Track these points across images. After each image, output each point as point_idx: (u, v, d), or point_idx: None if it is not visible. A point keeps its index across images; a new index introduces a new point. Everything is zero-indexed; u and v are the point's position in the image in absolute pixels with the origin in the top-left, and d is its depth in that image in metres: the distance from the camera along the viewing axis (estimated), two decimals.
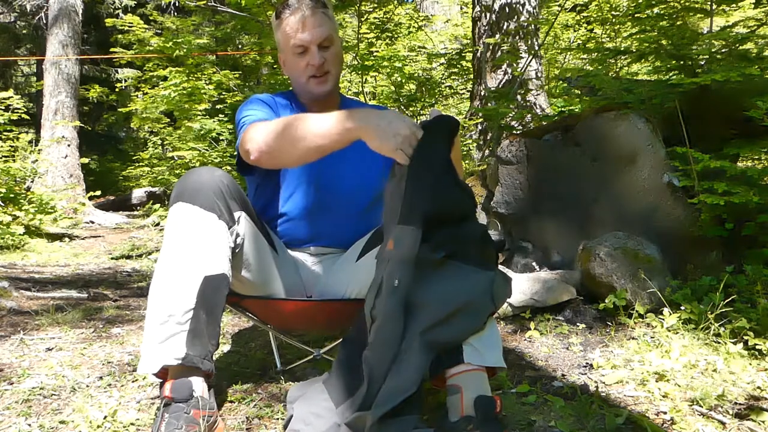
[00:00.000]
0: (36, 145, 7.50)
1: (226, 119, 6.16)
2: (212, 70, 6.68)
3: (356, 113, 1.27)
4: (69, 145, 8.35)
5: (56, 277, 3.64)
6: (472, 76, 5.57)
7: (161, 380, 1.34)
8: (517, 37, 5.00)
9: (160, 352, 1.28)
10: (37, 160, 7.08)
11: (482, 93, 5.03)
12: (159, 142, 10.14)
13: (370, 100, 6.44)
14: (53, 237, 5.72)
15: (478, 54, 5.15)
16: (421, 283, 1.21)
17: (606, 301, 2.16)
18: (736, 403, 1.44)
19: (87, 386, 1.66)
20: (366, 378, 1.21)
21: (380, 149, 1.23)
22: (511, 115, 4.54)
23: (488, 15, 5.07)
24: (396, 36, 6.56)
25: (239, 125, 1.54)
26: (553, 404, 1.46)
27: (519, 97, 4.91)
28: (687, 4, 2.94)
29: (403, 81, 5.96)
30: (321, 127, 1.28)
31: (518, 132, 4.06)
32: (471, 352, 1.22)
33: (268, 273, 1.52)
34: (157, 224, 6.44)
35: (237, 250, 1.42)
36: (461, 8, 10.10)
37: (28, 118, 7.44)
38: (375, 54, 5.67)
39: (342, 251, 1.65)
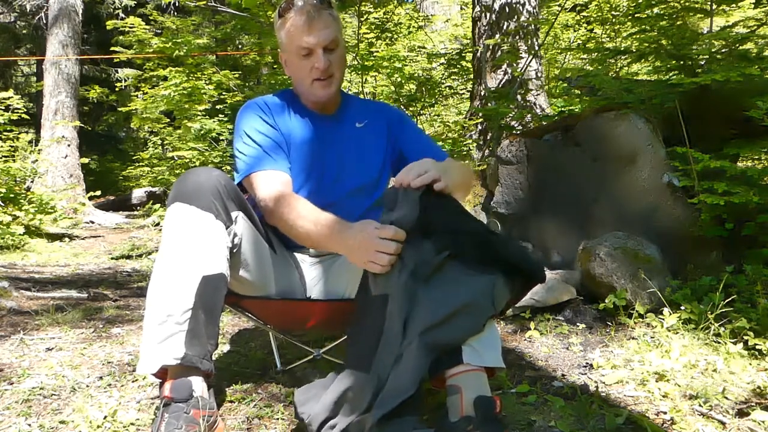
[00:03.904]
0: (36, 145, 7.49)
1: (226, 119, 6.16)
2: (212, 70, 6.68)
3: (339, 236, 1.34)
4: (69, 145, 8.35)
5: (56, 277, 3.64)
6: (472, 76, 5.57)
7: (161, 380, 1.34)
8: (517, 37, 4.99)
9: (159, 352, 1.28)
10: (37, 160, 7.08)
11: (482, 93, 5.03)
12: (159, 142, 10.14)
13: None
14: (53, 237, 5.72)
15: (478, 54, 5.15)
16: (423, 284, 1.21)
17: (606, 301, 2.16)
18: (736, 403, 1.44)
19: (87, 386, 1.66)
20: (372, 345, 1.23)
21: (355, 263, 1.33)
22: (511, 115, 4.54)
23: (488, 15, 5.07)
24: (396, 36, 6.56)
25: (235, 151, 1.56)
26: (553, 404, 1.46)
27: (519, 97, 4.91)
28: (687, 4, 2.94)
29: (403, 81, 5.95)
30: (313, 238, 1.40)
31: (518, 132, 4.06)
32: (470, 352, 1.22)
33: (267, 273, 1.51)
34: (157, 224, 6.43)
35: (235, 250, 1.41)
36: (461, 8, 10.11)
37: (28, 118, 7.43)
38: (375, 54, 5.67)
39: None
